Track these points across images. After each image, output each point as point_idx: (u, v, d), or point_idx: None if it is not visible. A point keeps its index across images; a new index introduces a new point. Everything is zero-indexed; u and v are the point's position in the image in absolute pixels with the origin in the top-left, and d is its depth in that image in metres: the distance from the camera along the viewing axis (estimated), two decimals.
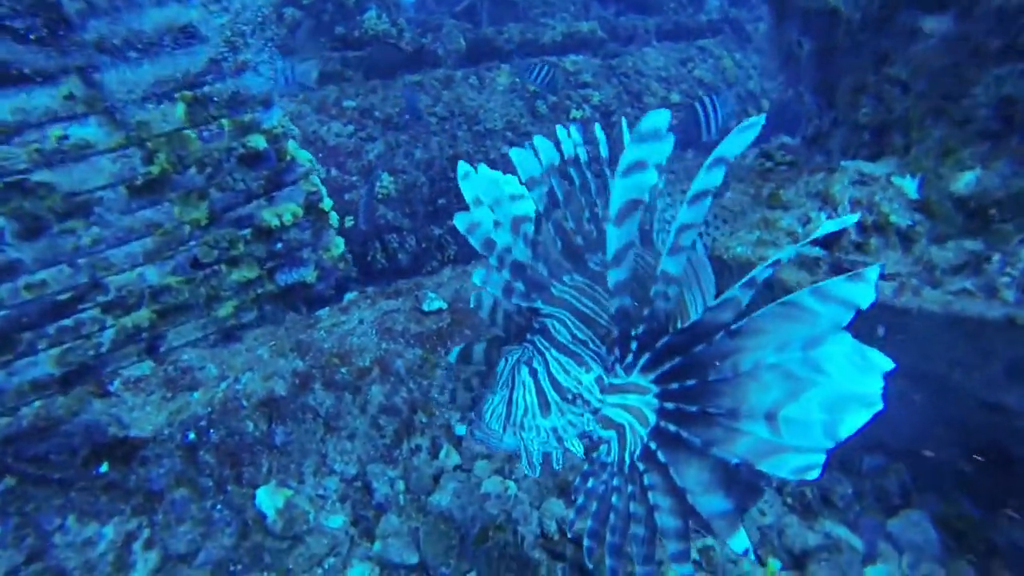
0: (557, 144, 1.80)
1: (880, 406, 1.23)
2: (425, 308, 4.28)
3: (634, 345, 1.61)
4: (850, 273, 1.20)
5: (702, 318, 1.43)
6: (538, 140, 1.73)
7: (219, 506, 2.81)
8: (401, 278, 7.63)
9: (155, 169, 3.05)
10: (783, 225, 2.79)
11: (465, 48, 10.03)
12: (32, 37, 2.84)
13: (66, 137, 2.98)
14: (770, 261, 1.29)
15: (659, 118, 1.25)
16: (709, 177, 1.31)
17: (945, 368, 2.46)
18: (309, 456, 3.34)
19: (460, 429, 3.78)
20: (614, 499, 1.69)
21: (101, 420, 2.89)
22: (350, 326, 4.22)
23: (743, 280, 1.34)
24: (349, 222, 7.17)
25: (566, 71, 9.97)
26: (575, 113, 9.74)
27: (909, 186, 2.63)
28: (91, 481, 2.73)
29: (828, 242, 2.58)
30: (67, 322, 3.21)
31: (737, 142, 1.29)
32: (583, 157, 1.85)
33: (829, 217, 2.63)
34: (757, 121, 1.28)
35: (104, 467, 2.80)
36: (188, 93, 3.10)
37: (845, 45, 3.02)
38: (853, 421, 1.24)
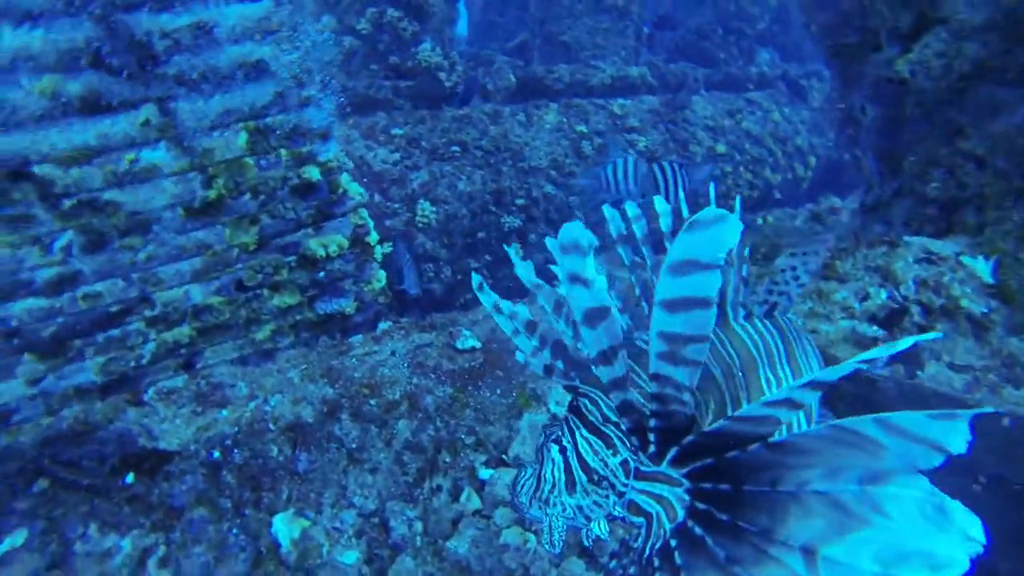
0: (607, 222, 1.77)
1: (954, 574, 1.03)
2: (459, 346, 4.23)
3: (652, 437, 1.53)
4: (938, 412, 1.00)
5: (724, 427, 1.31)
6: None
7: (235, 530, 2.76)
8: (434, 308, 7.62)
9: (212, 193, 3.11)
10: (838, 299, 2.67)
11: (515, 85, 10.17)
12: (125, 73, 3.02)
13: (137, 160, 3.11)
14: (811, 378, 1.10)
15: (577, 231, 1.14)
16: (678, 284, 1.12)
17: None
18: (330, 487, 3.27)
19: (484, 473, 3.68)
20: None
21: (132, 430, 2.89)
22: (382, 357, 4.18)
23: (779, 396, 1.17)
24: (387, 248, 7.24)
25: (613, 114, 10.02)
26: None
27: (983, 268, 2.50)
28: (117, 491, 2.72)
29: (889, 322, 2.46)
30: (115, 332, 3.29)
31: (700, 243, 1.07)
32: (638, 233, 1.78)
33: (890, 296, 2.51)
34: (722, 218, 1.05)
35: (130, 477, 2.79)
36: (252, 123, 3.17)
37: (915, 115, 2.93)
38: None
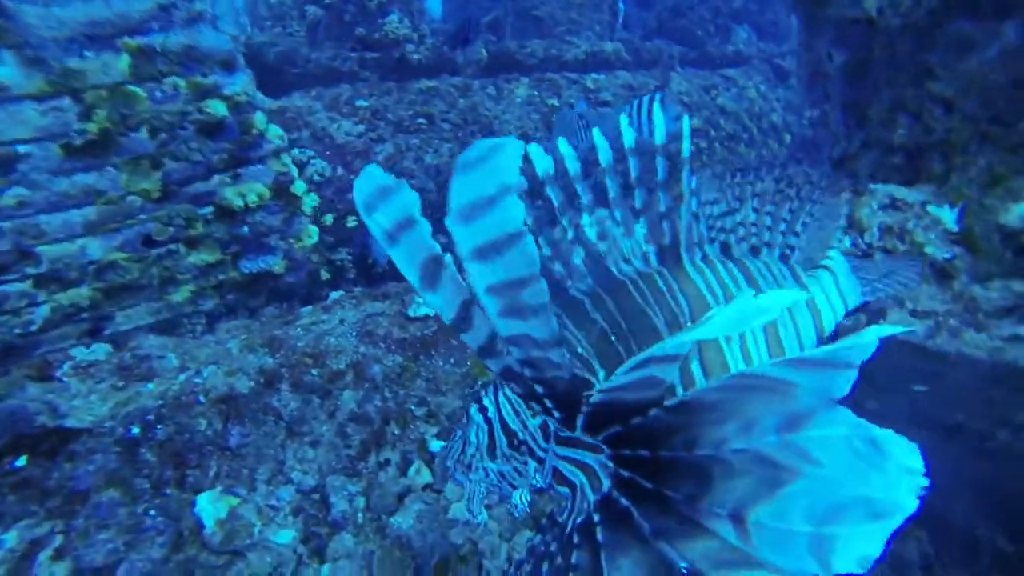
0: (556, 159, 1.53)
1: (899, 520, 0.85)
2: (411, 313, 4.02)
3: (549, 403, 1.37)
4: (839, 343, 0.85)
5: (604, 398, 1.16)
6: (532, 149, 1.46)
7: (153, 511, 2.53)
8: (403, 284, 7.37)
9: (93, 127, 2.77)
10: None
11: (487, 60, 9.93)
12: None
13: None
14: (691, 333, 0.91)
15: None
16: (475, 230, 0.97)
17: (988, 425, 2.14)
18: (265, 462, 3.05)
19: (435, 445, 3.50)
20: (544, 566, 1.42)
21: (29, 407, 2.62)
22: (329, 326, 3.96)
23: (645, 356, 0.99)
24: (352, 222, 6.98)
25: (586, 88, 9.83)
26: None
27: (947, 216, 2.35)
28: (2, 477, 2.43)
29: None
30: None
31: (480, 179, 0.93)
32: (572, 171, 1.54)
33: (854, 242, 2.35)
34: (495, 146, 0.93)
35: (22, 460, 2.52)
36: (132, 42, 2.82)
37: (882, 58, 2.76)
38: (856, 541, 0.85)
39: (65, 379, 2.90)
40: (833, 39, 3.05)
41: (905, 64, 2.66)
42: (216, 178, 3.17)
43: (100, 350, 3.18)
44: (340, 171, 7.48)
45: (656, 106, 4.53)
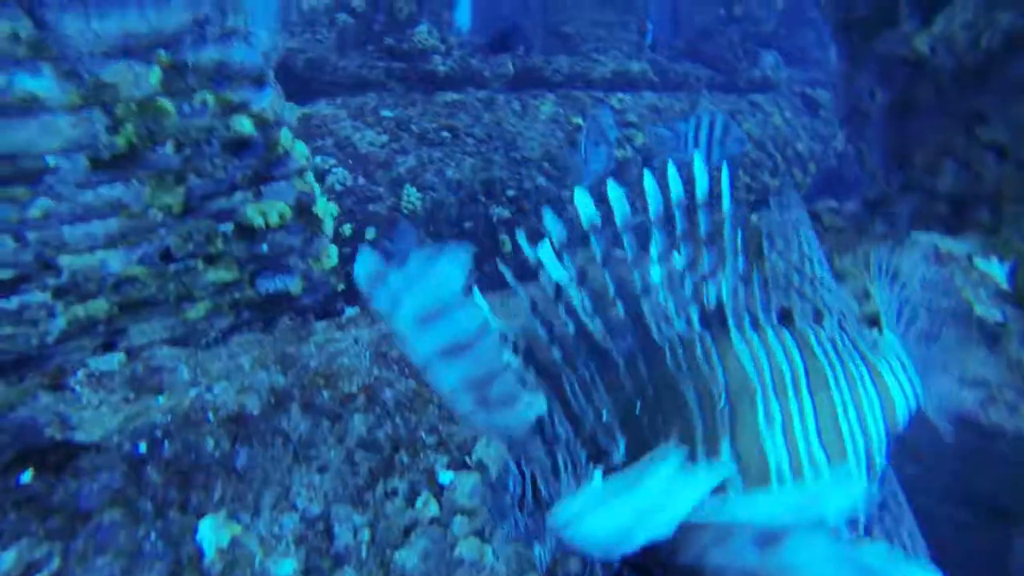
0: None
1: None
2: None
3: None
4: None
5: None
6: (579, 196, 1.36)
7: (153, 535, 2.45)
8: None
9: (121, 140, 2.72)
10: None
11: (513, 74, 9.92)
12: None
13: (9, 85, 2.59)
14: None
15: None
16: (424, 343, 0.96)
17: None
18: (271, 486, 2.97)
19: (444, 477, 3.40)
20: None
21: (40, 419, 2.57)
22: (343, 344, 3.89)
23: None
24: (370, 233, 6.95)
25: (612, 108, 9.76)
26: (618, 152, 9.45)
27: (997, 271, 2.21)
28: (5, 492, 2.38)
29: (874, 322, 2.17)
30: (8, 304, 2.85)
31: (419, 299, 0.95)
32: (621, 216, 1.41)
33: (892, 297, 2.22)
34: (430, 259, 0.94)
35: (27, 475, 2.47)
36: (164, 56, 2.77)
37: (928, 100, 2.65)
38: None
39: (77, 388, 2.85)
40: (877, 76, 2.94)
41: (954, 108, 2.55)
42: (238, 195, 3.12)
43: (113, 359, 3.14)
44: (361, 180, 7.46)
45: (718, 129, 4.14)
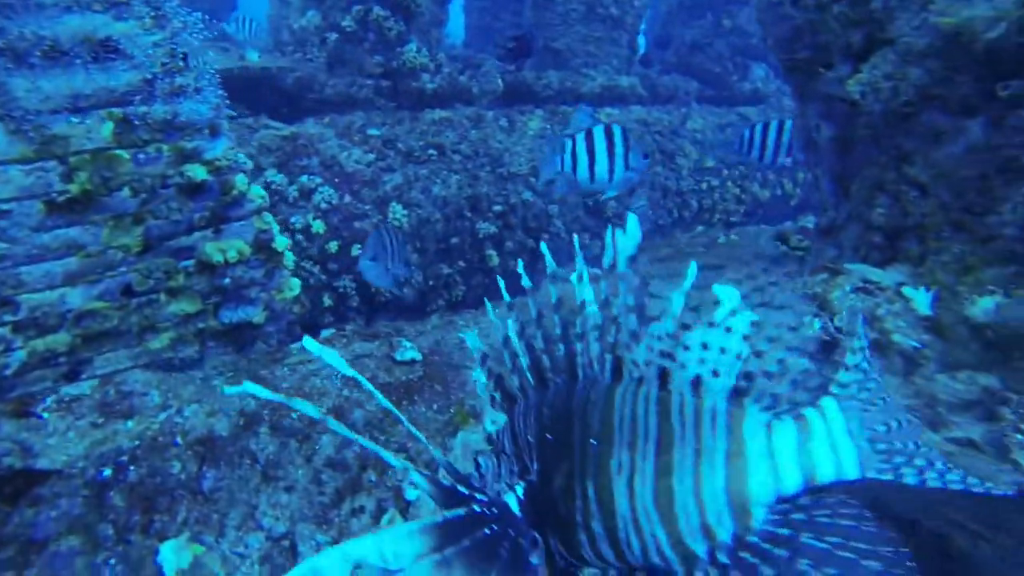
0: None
1: None
2: (398, 357, 4.06)
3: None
4: None
5: None
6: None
7: (112, 561, 2.55)
8: (406, 314, 7.41)
9: (75, 188, 2.88)
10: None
11: (503, 90, 10.03)
12: None
13: None
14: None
15: None
16: None
17: (967, 541, 2.06)
18: (237, 507, 3.08)
19: (411, 494, 3.50)
20: None
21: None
22: (316, 366, 4.01)
23: None
24: (356, 250, 7.06)
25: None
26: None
27: (922, 300, 2.33)
28: None
29: (821, 354, 2.28)
30: None
31: None
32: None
33: (823, 326, 2.34)
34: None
35: None
36: (116, 111, 2.94)
37: (864, 138, 2.77)
38: None
39: (46, 415, 2.96)
40: (822, 112, 3.07)
41: (886, 146, 2.67)
42: (197, 234, 3.27)
43: (86, 384, 3.25)
44: (347, 199, 7.59)
45: (618, 145, 3.59)
